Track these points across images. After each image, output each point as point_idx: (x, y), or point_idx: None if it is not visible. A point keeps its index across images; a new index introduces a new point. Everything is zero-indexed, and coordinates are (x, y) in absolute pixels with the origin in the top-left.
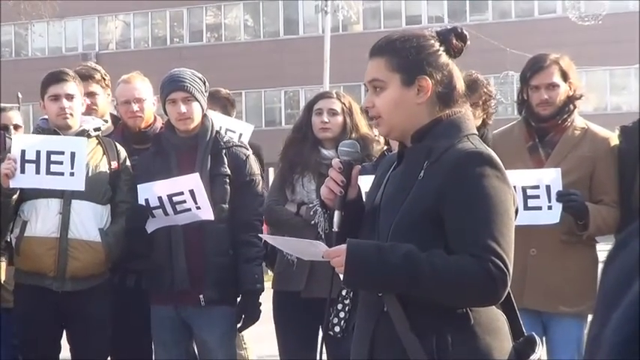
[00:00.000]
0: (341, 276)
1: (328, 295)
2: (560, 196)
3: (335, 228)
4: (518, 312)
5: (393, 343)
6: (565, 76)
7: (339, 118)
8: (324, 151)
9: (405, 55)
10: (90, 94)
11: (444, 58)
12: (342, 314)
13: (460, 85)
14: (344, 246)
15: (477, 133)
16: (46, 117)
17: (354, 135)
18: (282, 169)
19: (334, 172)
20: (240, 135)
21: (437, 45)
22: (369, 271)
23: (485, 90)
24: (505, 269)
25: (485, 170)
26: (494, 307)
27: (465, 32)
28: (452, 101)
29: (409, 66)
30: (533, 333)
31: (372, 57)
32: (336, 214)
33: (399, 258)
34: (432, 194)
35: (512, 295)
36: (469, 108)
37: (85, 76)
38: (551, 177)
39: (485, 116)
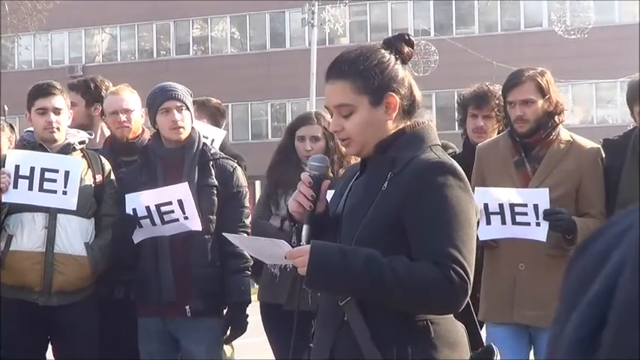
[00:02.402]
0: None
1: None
2: (547, 215)
3: (303, 242)
4: (477, 323)
5: (354, 352)
6: (543, 92)
7: (322, 143)
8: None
9: (370, 76)
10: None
11: (401, 70)
12: None
13: (418, 94)
14: (307, 246)
15: (439, 144)
16: (32, 129)
17: (335, 156)
18: (268, 188)
19: (304, 187)
20: (212, 140)
21: (392, 58)
22: (331, 273)
23: (497, 101)
24: (466, 277)
25: (448, 180)
26: (454, 319)
27: (412, 38)
28: (414, 111)
29: (376, 86)
30: (492, 343)
31: (333, 80)
32: (305, 228)
33: (361, 261)
34: (395, 204)
35: (471, 306)
36: (431, 119)
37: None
38: (538, 196)
39: (500, 128)
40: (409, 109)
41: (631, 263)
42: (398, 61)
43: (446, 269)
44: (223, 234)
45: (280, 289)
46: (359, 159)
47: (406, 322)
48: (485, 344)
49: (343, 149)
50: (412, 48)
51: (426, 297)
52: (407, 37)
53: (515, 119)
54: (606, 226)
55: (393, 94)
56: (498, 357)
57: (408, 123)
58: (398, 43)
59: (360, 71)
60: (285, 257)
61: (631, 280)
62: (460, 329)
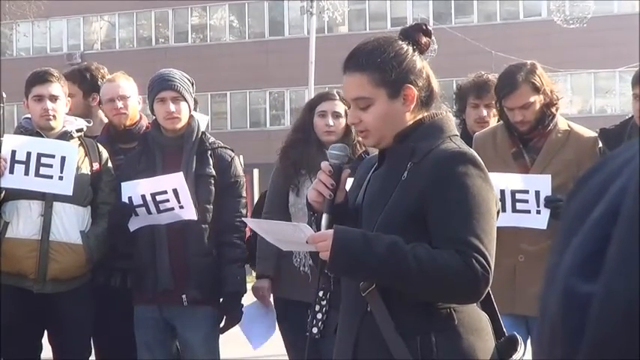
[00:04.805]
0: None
1: (315, 291)
2: (549, 202)
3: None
4: (498, 313)
5: (377, 343)
6: (538, 89)
7: (343, 121)
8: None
9: (388, 69)
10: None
11: (419, 60)
12: (319, 315)
13: (436, 84)
14: (330, 231)
15: (457, 134)
16: (29, 116)
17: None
18: (286, 170)
19: (324, 176)
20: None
21: (410, 49)
22: (354, 257)
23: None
24: (487, 266)
25: (469, 170)
26: (477, 307)
27: (429, 27)
28: (432, 102)
29: (393, 79)
30: (515, 333)
31: (350, 72)
32: (325, 217)
33: (384, 246)
34: (415, 194)
35: (492, 296)
36: (448, 109)
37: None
38: (540, 183)
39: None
40: (427, 99)
41: (636, 177)
42: (416, 52)
43: (468, 258)
44: (243, 219)
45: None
46: (364, 153)
47: (429, 311)
48: (507, 334)
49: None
50: (429, 38)
51: (448, 284)
52: (424, 27)
53: (516, 122)
54: (606, 160)
55: (411, 85)
56: (522, 346)
57: (426, 114)
58: (415, 34)
59: (378, 64)
60: (307, 242)
61: (635, 192)
62: (483, 317)
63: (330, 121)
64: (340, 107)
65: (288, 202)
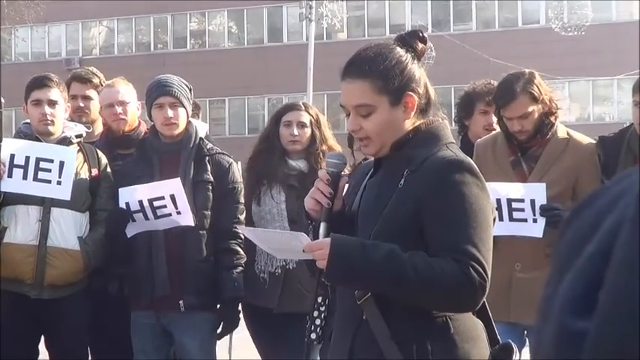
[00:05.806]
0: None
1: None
2: (544, 211)
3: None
4: (493, 321)
5: (373, 351)
6: (536, 99)
7: (308, 131)
8: (292, 162)
9: (391, 76)
10: (85, 98)
11: (417, 68)
12: (317, 321)
13: (432, 92)
14: (327, 239)
15: (454, 141)
16: (29, 121)
17: (324, 147)
18: (250, 181)
19: (322, 184)
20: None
21: (409, 56)
22: (351, 266)
23: None
24: (485, 275)
25: (466, 178)
26: (472, 315)
27: (425, 34)
28: (429, 109)
29: (396, 86)
30: (510, 340)
31: (351, 79)
32: (322, 225)
33: (381, 255)
34: (412, 202)
35: (486, 304)
36: (444, 116)
37: (84, 79)
38: (535, 191)
39: None
40: (425, 107)
41: (630, 222)
42: (414, 59)
43: (465, 267)
44: (239, 227)
45: (271, 294)
46: (364, 160)
47: (425, 319)
48: (501, 341)
49: (330, 141)
50: (425, 44)
51: (445, 293)
52: (420, 34)
53: (514, 132)
54: (599, 192)
55: (412, 93)
56: (517, 355)
57: (423, 121)
58: (412, 41)
59: (380, 71)
60: (304, 250)
61: (630, 237)
62: (479, 325)
63: (295, 131)
64: (305, 117)
65: None
